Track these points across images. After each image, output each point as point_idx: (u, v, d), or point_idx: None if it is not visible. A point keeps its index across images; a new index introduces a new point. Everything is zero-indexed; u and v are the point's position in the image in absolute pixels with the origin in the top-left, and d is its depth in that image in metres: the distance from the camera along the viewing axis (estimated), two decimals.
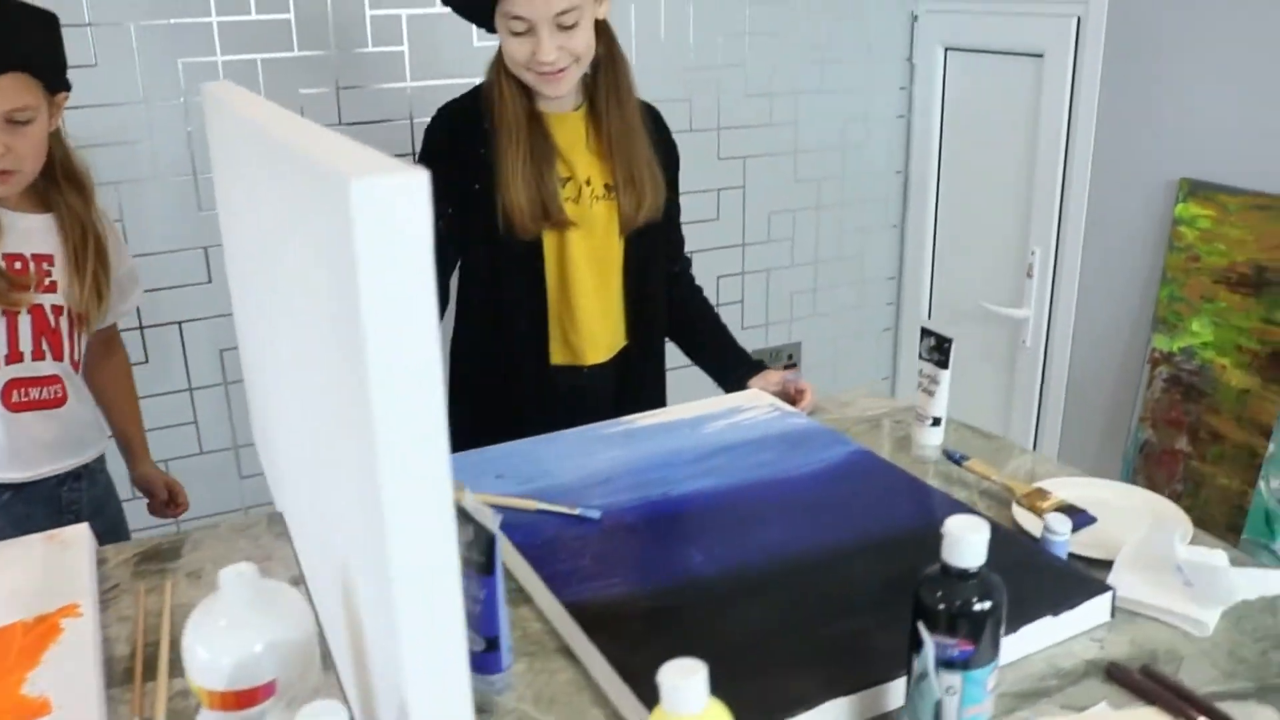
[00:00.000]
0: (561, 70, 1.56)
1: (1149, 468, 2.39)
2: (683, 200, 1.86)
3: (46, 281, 1.53)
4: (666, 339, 1.89)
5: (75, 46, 1.77)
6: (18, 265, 1.50)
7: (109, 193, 2.07)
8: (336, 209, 0.54)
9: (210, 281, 2.21)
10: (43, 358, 1.54)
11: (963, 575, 0.87)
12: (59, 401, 1.58)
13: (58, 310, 1.55)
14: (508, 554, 1.23)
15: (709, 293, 2.71)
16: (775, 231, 2.83)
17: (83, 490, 1.66)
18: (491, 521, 0.94)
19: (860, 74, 2.85)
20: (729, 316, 2.79)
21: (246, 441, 2.32)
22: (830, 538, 1.23)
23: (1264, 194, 2.13)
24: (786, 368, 2.81)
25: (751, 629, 1.07)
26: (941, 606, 0.86)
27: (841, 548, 1.21)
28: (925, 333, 1.53)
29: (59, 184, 1.56)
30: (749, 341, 2.84)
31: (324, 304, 0.64)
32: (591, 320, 1.72)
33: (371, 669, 0.76)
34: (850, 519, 1.28)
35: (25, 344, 1.52)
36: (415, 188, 0.53)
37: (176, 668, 1.05)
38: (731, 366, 1.82)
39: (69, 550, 1.25)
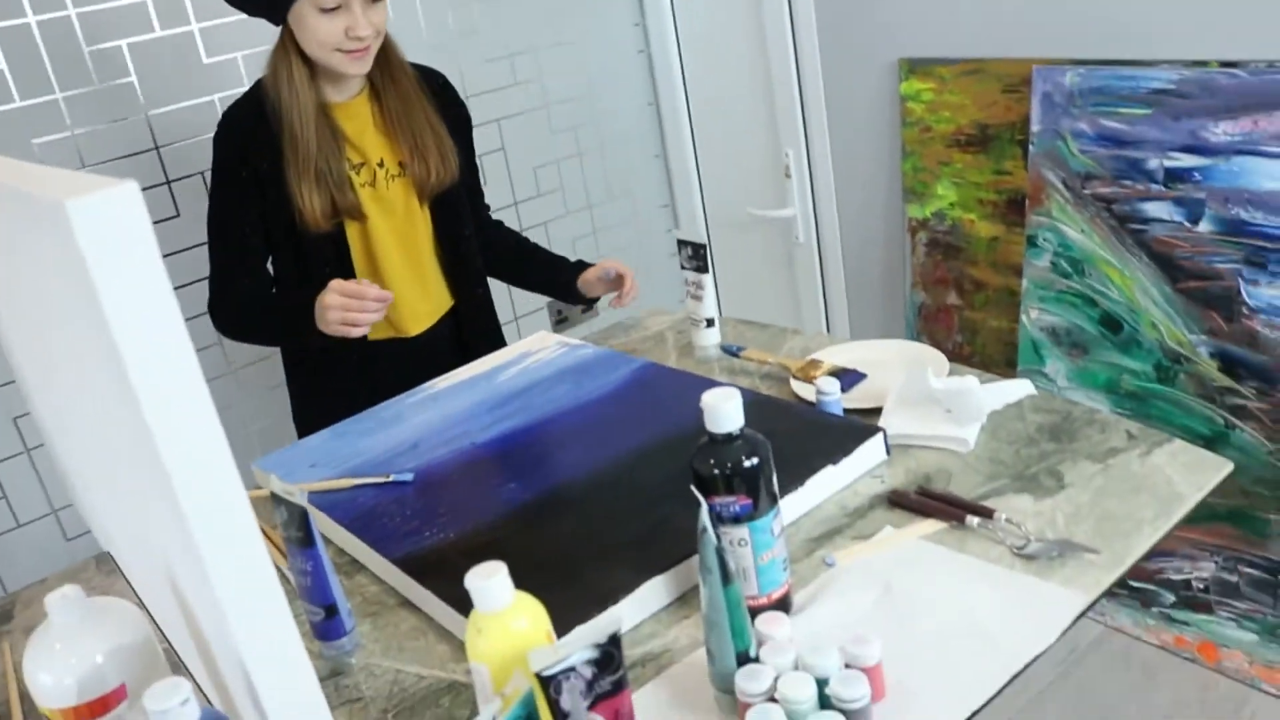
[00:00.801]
0: (367, 47, 1.59)
1: (929, 327, 2.59)
2: None
3: None
4: (496, 280, 1.94)
5: None
6: None
7: None
8: (62, 235, 0.58)
9: None
10: None
11: (728, 439, 0.97)
12: None
13: None
14: (334, 530, 1.29)
15: None
16: (543, 185, 2.89)
17: None
18: (300, 498, 0.99)
19: (593, 20, 2.93)
20: None
21: (64, 504, 2.28)
22: (627, 445, 1.33)
23: (972, 59, 2.32)
24: (583, 312, 2.90)
25: (571, 539, 1.16)
26: (715, 471, 0.96)
27: (640, 451, 1.31)
28: (681, 243, 1.64)
29: None
30: None
31: (79, 328, 0.68)
32: (407, 295, 1.75)
33: (218, 659, 0.81)
34: (644, 426, 1.38)
35: None
36: (127, 197, 0.57)
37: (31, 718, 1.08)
38: (560, 278, 1.88)
39: None
